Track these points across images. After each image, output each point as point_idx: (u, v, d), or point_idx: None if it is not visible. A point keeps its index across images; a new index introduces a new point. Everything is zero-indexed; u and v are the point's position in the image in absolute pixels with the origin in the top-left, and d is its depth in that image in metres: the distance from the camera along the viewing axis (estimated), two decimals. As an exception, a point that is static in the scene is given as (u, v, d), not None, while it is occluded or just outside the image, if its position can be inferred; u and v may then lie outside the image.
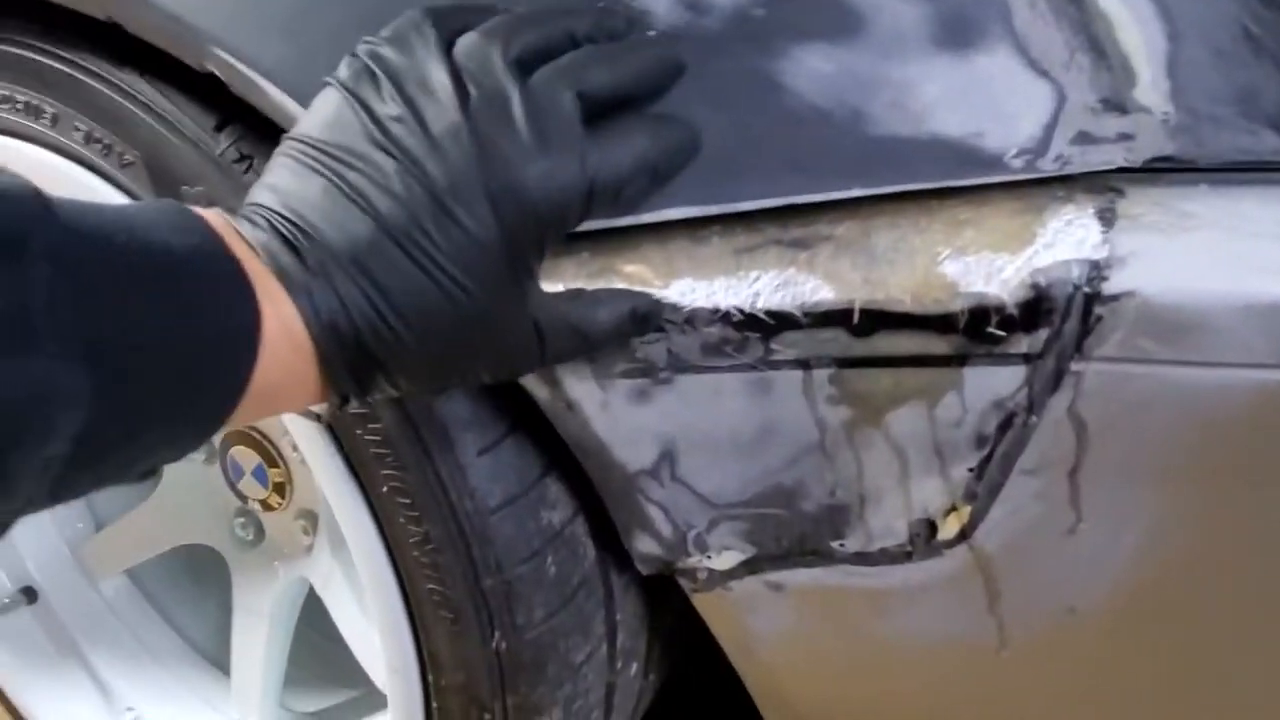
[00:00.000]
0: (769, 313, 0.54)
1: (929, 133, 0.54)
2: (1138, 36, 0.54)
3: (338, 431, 0.65)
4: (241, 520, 0.97)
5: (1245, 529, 0.56)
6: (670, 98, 0.54)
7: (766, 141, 0.54)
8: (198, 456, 0.97)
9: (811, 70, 0.54)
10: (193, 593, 1.12)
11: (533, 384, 0.59)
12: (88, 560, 1.08)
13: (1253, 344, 0.51)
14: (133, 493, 1.07)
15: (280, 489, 0.91)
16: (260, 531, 0.97)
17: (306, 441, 0.67)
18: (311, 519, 0.91)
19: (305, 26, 0.56)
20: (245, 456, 0.91)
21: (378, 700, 0.89)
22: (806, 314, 0.54)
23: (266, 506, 0.93)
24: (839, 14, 0.54)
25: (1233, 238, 0.52)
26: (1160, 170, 0.54)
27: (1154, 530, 0.58)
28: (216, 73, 0.58)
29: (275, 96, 0.57)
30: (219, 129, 0.62)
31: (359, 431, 0.63)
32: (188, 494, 0.99)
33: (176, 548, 1.04)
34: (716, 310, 0.54)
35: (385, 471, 0.63)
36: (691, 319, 0.55)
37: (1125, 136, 0.54)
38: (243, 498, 0.94)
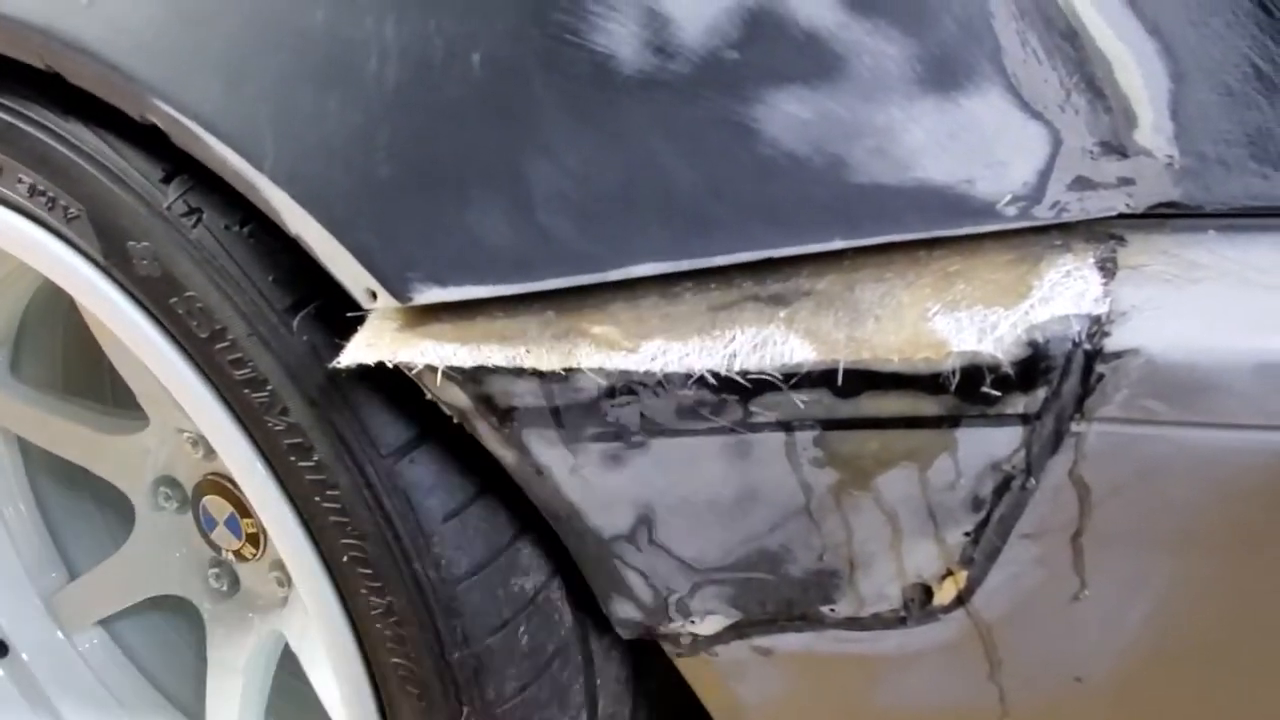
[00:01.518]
0: (746, 375, 0.51)
1: (915, 180, 0.51)
2: (1139, 77, 0.51)
3: (296, 499, 0.62)
4: (215, 571, 0.95)
5: (1260, 597, 0.53)
6: (638, 148, 0.51)
7: (741, 192, 0.51)
8: (170, 506, 0.95)
9: (788, 116, 0.51)
10: (168, 644, 1.09)
11: (499, 448, 0.56)
12: (61, 611, 1.06)
13: (1267, 404, 0.48)
14: (107, 542, 1.05)
15: (254, 539, 0.89)
16: (235, 582, 0.95)
17: (265, 511, 0.63)
18: (286, 570, 0.88)
19: (247, 76, 0.53)
20: (218, 506, 0.90)
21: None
22: (787, 376, 0.51)
23: (240, 557, 0.91)
24: (816, 55, 0.51)
25: (1244, 290, 0.49)
26: (1164, 216, 0.51)
27: (1163, 598, 0.55)
28: (157, 123, 0.55)
29: (217, 149, 0.54)
30: (166, 180, 0.60)
31: (317, 499, 0.60)
32: (161, 544, 0.97)
33: (150, 598, 1.01)
34: (691, 373, 0.51)
35: (345, 540, 0.60)
36: (664, 382, 0.52)
37: (1126, 181, 0.52)
38: (216, 548, 0.92)
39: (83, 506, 1.06)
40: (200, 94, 0.54)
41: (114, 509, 1.04)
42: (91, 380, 0.98)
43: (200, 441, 0.87)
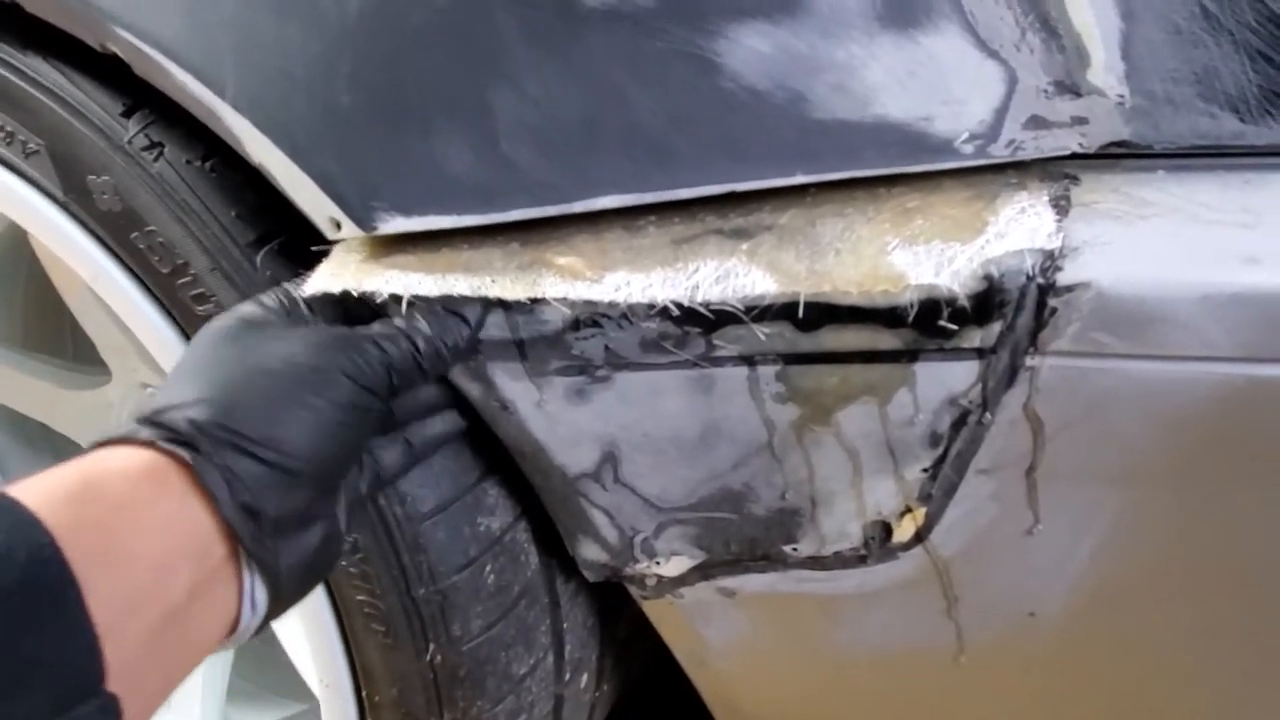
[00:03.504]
0: (709, 306, 0.51)
1: (875, 116, 0.52)
2: (1090, 15, 0.52)
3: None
4: None
5: (1209, 529, 0.54)
6: (600, 80, 0.51)
7: (703, 126, 0.52)
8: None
9: (749, 50, 0.51)
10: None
11: (464, 382, 0.56)
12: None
13: (1213, 337, 0.49)
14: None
15: None
16: None
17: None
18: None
19: (209, 3, 0.53)
20: None
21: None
22: (749, 308, 0.51)
23: None
24: (779, -10, 0.51)
25: (1192, 225, 0.50)
26: (1116, 156, 0.52)
27: (1114, 532, 0.56)
28: (118, 54, 0.55)
29: (178, 77, 0.53)
30: (127, 114, 0.59)
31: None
32: None
33: None
34: (654, 304, 0.52)
35: (309, 478, 0.59)
36: (628, 314, 0.52)
37: (1079, 120, 0.52)
38: None
39: (43, 464, 1.04)
40: (161, 21, 0.53)
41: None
42: (52, 334, 0.97)
43: (164, 395, 0.86)
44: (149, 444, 0.44)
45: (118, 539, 0.41)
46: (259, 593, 0.45)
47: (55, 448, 1.02)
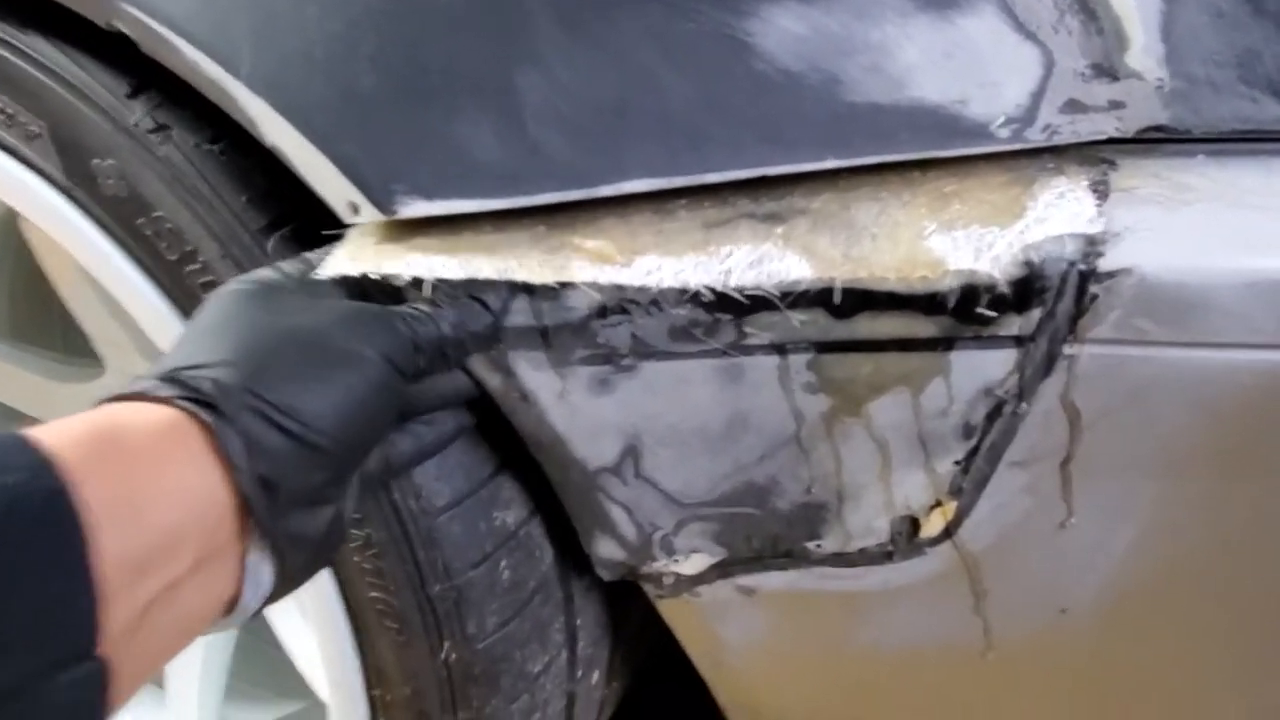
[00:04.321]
0: (743, 292, 0.50)
1: (909, 99, 0.51)
2: (1131, -4, 0.50)
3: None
4: None
5: (1250, 522, 0.53)
6: (630, 61, 0.50)
7: (735, 108, 0.50)
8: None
9: (783, 31, 0.50)
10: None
11: (484, 371, 0.54)
12: None
13: (1258, 323, 0.48)
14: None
15: None
16: None
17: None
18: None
19: (224, -25, 0.51)
20: None
21: (325, 713, 0.83)
22: (784, 294, 0.50)
23: None
24: (813, -31, 0.50)
25: (1234, 211, 0.49)
26: (1154, 141, 0.51)
27: (1152, 525, 0.55)
28: (125, 30, 0.53)
29: (189, 55, 0.51)
30: (133, 95, 0.57)
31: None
32: None
33: None
34: (685, 289, 0.50)
35: (322, 471, 0.58)
36: (658, 299, 0.51)
37: (1116, 104, 0.51)
38: None
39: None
40: (172, -6, 0.51)
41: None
42: (42, 325, 0.94)
43: (162, 389, 0.84)
44: (167, 401, 0.41)
45: (134, 497, 0.38)
46: (264, 571, 0.43)
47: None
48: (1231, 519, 0.53)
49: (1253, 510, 0.53)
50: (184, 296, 0.59)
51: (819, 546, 0.60)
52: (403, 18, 0.50)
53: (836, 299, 0.49)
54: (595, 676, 0.73)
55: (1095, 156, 0.52)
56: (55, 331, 0.95)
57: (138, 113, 0.57)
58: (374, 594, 0.60)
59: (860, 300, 0.50)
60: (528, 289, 0.50)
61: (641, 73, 0.50)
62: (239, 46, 0.51)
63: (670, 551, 0.61)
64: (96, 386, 0.87)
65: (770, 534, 0.60)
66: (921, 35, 0.51)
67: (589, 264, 0.50)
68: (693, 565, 0.62)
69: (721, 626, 0.65)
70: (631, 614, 0.73)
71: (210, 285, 0.58)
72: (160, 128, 0.57)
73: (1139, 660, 0.61)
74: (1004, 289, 0.49)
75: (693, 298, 0.50)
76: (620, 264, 0.50)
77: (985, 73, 0.51)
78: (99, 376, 0.86)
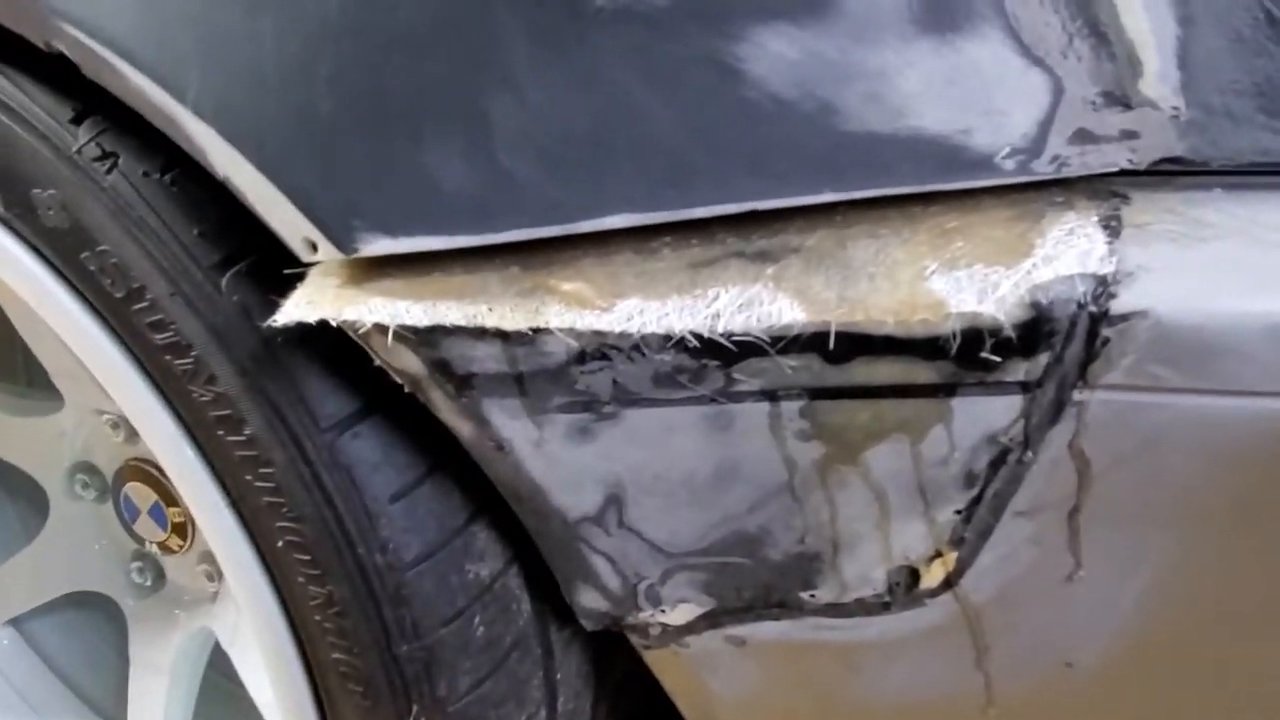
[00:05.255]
0: (731, 337, 0.47)
1: (910, 129, 0.48)
2: (1145, 21, 0.48)
3: (225, 479, 0.56)
4: (139, 565, 0.90)
5: (1267, 574, 0.51)
6: (610, 86, 0.47)
7: (723, 138, 0.48)
8: (88, 494, 0.88)
9: (774, 55, 0.47)
10: (86, 643, 1.02)
11: (454, 420, 0.51)
12: (-34, 611, 0.98)
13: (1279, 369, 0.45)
14: (18, 533, 0.98)
15: (181, 530, 0.84)
16: (160, 576, 0.89)
17: (190, 493, 0.58)
18: (216, 564, 0.83)
19: (168, -4, 0.47)
20: (141, 494, 0.84)
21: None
22: (774, 339, 0.47)
23: (166, 549, 0.86)
24: (806, -11, 0.47)
25: (1254, 249, 0.47)
26: (1169, 174, 0.49)
27: (1163, 577, 0.52)
28: (65, 53, 0.49)
29: (133, 80, 0.48)
30: (77, 121, 0.54)
31: (249, 478, 0.55)
32: (78, 536, 0.91)
33: (67, 595, 0.95)
34: (669, 335, 0.47)
35: (280, 524, 0.55)
36: (640, 345, 0.48)
37: (1129, 134, 0.49)
38: (139, 540, 0.86)
39: (-10, 496, 0.99)
40: (113, 16, 0.48)
41: (26, 498, 0.97)
42: (4, 358, 0.91)
43: (122, 423, 0.81)
44: None
45: None
46: None
47: (5, 480, 0.96)
48: (1246, 570, 0.51)
49: (1269, 561, 0.50)
50: (131, 337, 0.56)
51: (813, 597, 0.58)
52: (364, 36, 0.47)
53: (831, 345, 0.47)
54: (577, 727, 0.70)
55: (1106, 190, 0.49)
56: (16, 365, 0.92)
57: (81, 139, 0.54)
58: (336, 655, 0.57)
59: (857, 345, 0.47)
60: (500, 334, 0.47)
61: (623, 98, 0.48)
62: (185, 68, 0.48)
63: (656, 602, 0.59)
64: (56, 420, 0.84)
65: (762, 584, 0.58)
66: (923, 61, 0.48)
67: (566, 308, 0.47)
68: (680, 615, 0.60)
69: (711, 678, 0.63)
70: (615, 664, 0.70)
71: (159, 325, 0.55)
72: (106, 155, 0.54)
73: (1147, 716, 0.59)
74: (1009, 332, 0.46)
75: (678, 343, 0.47)
76: (600, 309, 0.47)
77: (990, 101, 0.49)
78: (58, 410, 0.83)
